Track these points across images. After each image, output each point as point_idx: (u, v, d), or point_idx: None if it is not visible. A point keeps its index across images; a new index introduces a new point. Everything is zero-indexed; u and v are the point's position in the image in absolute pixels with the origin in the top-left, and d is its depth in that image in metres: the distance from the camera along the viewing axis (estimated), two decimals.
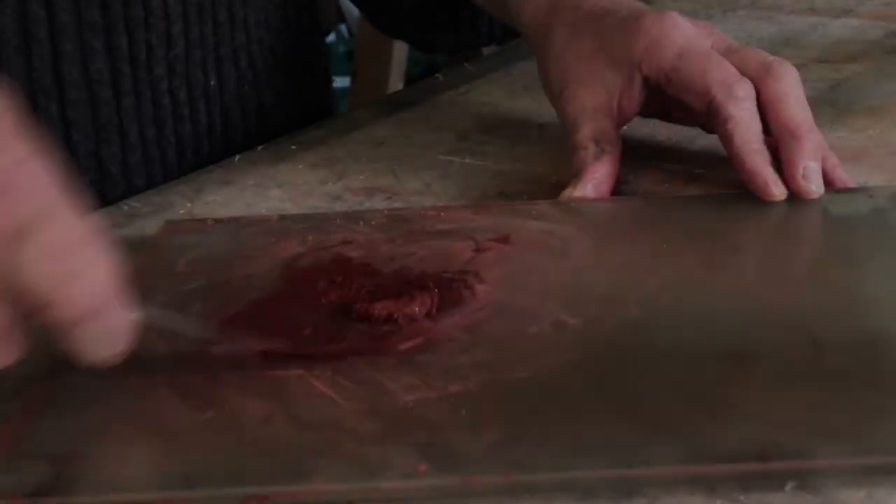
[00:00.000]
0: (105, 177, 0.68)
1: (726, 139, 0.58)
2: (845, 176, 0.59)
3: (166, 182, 0.70)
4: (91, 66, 0.65)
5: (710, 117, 0.59)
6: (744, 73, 0.59)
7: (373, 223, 0.58)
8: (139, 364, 0.45)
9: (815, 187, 0.56)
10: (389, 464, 0.39)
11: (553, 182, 0.64)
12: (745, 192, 0.58)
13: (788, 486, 0.38)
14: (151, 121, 0.69)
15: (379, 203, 0.64)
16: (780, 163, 0.57)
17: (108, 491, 0.39)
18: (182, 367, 0.45)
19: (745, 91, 0.58)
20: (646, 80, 0.61)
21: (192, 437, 0.41)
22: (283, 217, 0.60)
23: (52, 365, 0.46)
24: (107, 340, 0.41)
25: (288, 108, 0.80)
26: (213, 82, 0.72)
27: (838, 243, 0.54)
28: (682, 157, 0.67)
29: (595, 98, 0.62)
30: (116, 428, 0.42)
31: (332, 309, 0.49)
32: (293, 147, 0.73)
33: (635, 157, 0.66)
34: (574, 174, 0.60)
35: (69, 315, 0.40)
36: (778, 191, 0.56)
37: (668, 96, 0.62)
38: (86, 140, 0.67)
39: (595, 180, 0.59)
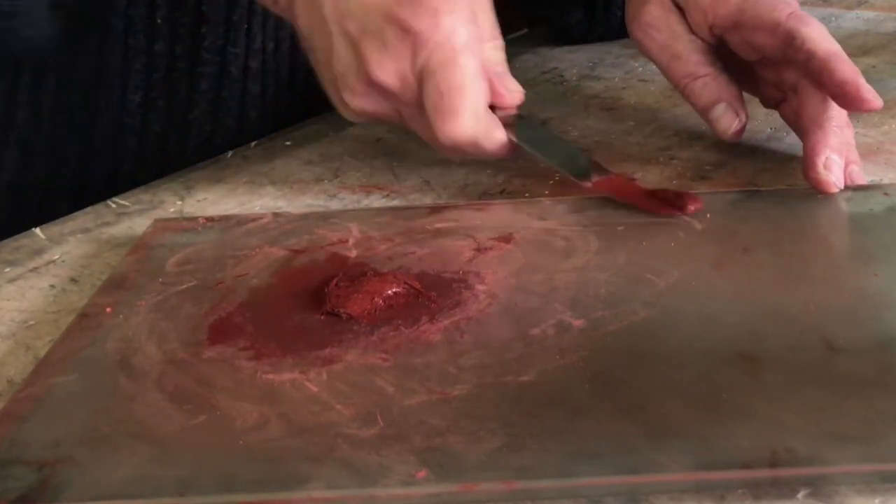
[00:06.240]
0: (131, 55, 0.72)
1: (809, 59, 0.57)
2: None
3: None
4: None
5: (784, 50, 0.59)
6: None
7: (370, 222, 0.57)
8: (128, 367, 0.45)
9: (834, 180, 0.55)
10: (387, 470, 0.38)
11: (556, 179, 0.63)
12: (754, 190, 0.57)
13: (801, 494, 0.37)
14: None
15: (377, 201, 0.63)
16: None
17: (96, 498, 0.38)
18: (172, 369, 0.45)
19: (817, 21, 0.58)
20: (711, 29, 0.63)
21: (183, 442, 0.40)
22: (277, 215, 0.59)
23: (38, 369, 0.45)
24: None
25: None
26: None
27: (852, 242, 0.53)
28: (691, 154, 0.66)
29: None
30: (105, 433, 0.41)
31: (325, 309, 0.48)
32: (287, 143, 0.73)
33: (643, 153, 0.66)
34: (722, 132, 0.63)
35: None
36: (874, 100, 0.55)
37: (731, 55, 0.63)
38: None
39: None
